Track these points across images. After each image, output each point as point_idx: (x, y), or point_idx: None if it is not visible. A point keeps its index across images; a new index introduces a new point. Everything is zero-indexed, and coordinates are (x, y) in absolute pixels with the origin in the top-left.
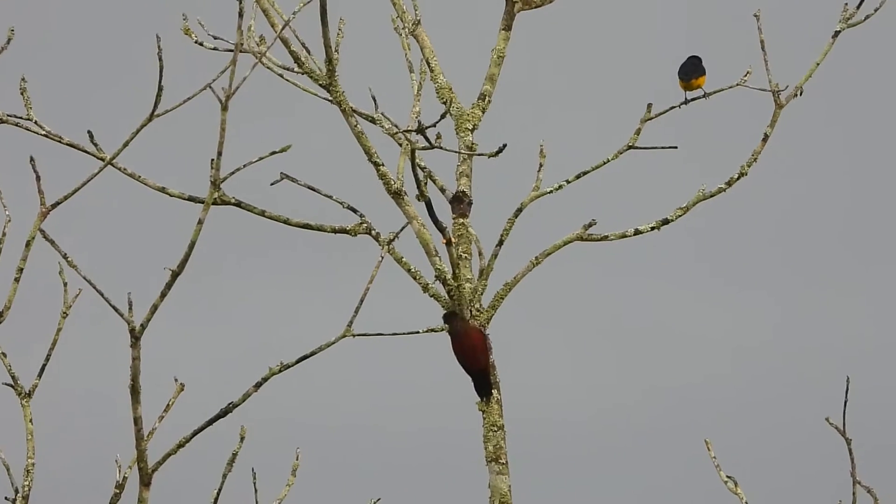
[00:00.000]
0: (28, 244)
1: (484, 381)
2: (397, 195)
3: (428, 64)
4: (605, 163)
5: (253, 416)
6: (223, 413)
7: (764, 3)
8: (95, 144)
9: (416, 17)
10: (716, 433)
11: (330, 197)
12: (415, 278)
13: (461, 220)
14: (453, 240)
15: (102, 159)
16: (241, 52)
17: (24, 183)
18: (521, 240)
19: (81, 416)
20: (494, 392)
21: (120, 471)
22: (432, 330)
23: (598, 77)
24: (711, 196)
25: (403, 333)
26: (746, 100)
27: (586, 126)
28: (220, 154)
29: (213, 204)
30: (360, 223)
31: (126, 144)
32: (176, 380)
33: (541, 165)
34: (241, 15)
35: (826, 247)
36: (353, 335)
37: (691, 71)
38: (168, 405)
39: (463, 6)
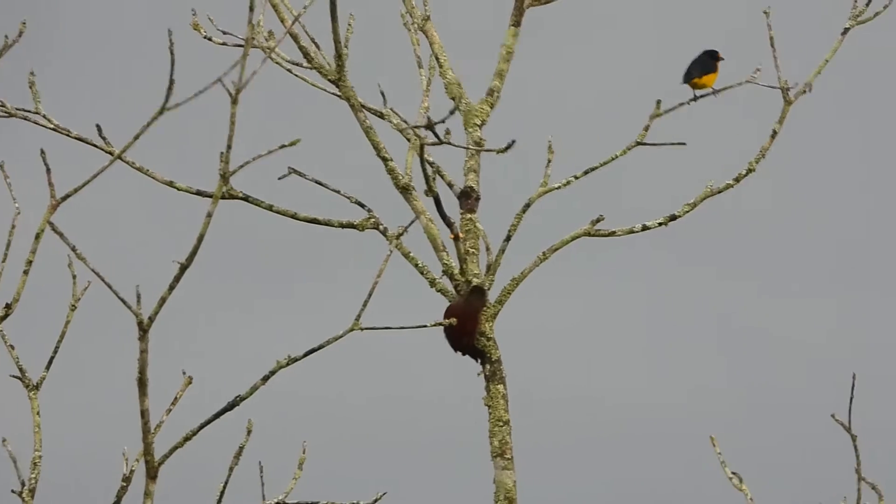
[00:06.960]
0: (37, 237)
1: (474, 354)
2: (405, 190)
3: (437, 59)
4: (613, 159)
5: (260, 409)
6: (230, 406)
7: (774, 0)
8: (104, 138)
9: (426, 12)
10: (718, 430)
11: (338, 192)
12: (422, 273)
13: (469, 216)
14: (461, 235)
15: (111, 153)
16: (250, 47)
17: (34, 176)
18: (528, 235)
19: (89, 408)
20: (500, 387)
21: (127, 463)
22: (440, 324)
23: (608, 73)
24: (719, 192)
25: (411, 327)
26: (756, 96)
27: (595, 122)
28: (229, 148)
29: (221, 198)
30: (368, 218)
31: (136, 138)
32: (184, 373)
33: (549, 161)
34: (250, 10)
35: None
36: (361, 329)
37: (697, 71)
38: (175, 398)
39: (472, 2)
